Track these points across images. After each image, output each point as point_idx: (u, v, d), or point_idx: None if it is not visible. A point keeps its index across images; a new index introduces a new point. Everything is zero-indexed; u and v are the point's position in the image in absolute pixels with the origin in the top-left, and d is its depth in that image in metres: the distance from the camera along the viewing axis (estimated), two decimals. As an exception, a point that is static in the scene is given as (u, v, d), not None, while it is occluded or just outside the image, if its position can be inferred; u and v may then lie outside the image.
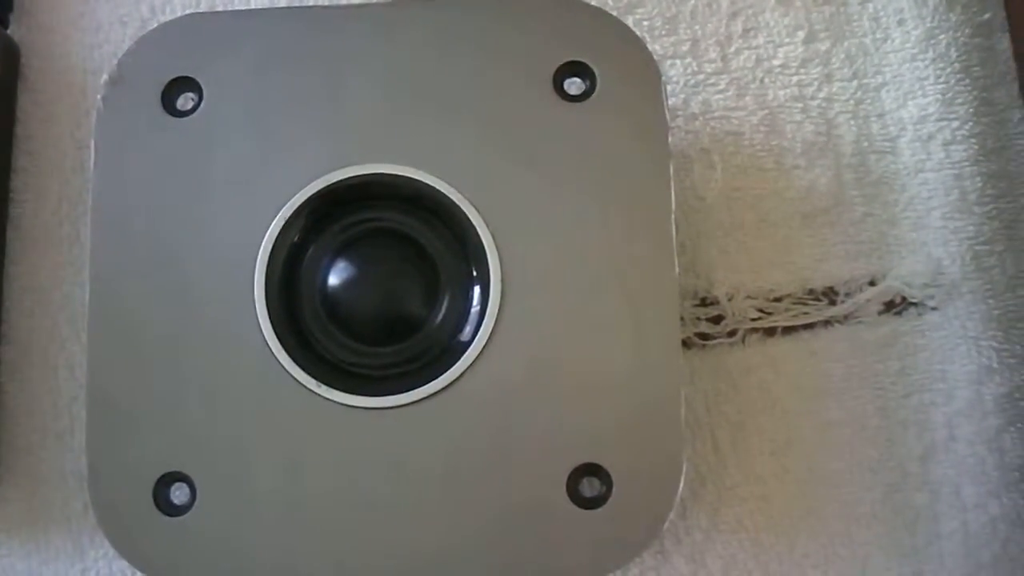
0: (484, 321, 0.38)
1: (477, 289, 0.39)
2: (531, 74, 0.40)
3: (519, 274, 0.39)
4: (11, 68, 0.45)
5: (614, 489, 0.38)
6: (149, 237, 0.39)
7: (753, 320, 0.43)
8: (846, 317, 0.43)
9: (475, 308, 0.39)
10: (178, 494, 0.38)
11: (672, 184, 0.38)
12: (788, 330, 0.43)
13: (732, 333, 0.43)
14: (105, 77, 0.40)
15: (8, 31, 0.45)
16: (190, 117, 0.40)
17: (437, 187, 0.39)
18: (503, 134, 0.39)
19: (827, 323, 0.43)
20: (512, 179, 0.39)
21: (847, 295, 0.43)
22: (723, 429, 0.43)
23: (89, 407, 0.39)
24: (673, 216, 0.38)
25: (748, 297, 0.43)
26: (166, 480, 0.38)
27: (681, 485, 0.37)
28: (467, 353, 0.38)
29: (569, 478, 0.38)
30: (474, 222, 0.39)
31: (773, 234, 0.44)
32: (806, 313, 0.43)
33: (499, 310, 0.38)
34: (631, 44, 0.40)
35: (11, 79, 0.45)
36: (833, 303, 0.43)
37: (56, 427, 0.44)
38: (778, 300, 0.43)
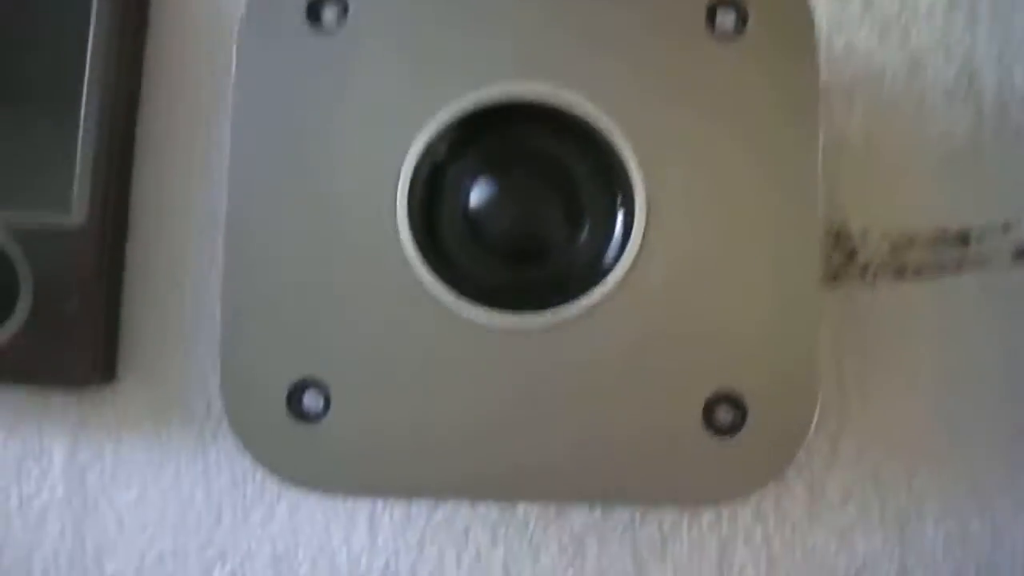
0: (628, 247, 0.38)
1: (621, 215, 0.39)
2: (685, 6, 0.39)
3: (664, 203, 0.38)
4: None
5: (748, 417, 0.38)
6: (288, 154, 0.39)
7: (885, 259, 0.43)
8: (977, 262, 0.43)
9: (618, 233, 0.39)
10: (312, 400, 0.38)
11: (820, 126, 0.38)
12: (918, 271, 0.43)
13: (864, 269, 0.43)
14: (249, -12, 0.40)
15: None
16: (336, 30, 0.40)
17: (587, 110, 0.39)
18: (655, 65, 0.39)
19: (958, 266, 0.43)
20: (661, 110, 0.39)
21: (979, 239, 0.43)
22: (849, 363, 0.43)
23: (223, 310, 0.39)
24: (819, 157, 0.38)
25: (882, 235, 0.43)
26: (300, 386, 0.38)
27: (816, 416, 0.38)
28: (608, 277, 0.38)
29: (705, 405, 0.38)
30: (621, 148, 0.39)
31: (909, 176, 0.43)
32: (938, 255, 0.43)
33: (642, 237, 0.38)
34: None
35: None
36: (966, 246, 0.43)
37: (181, 329, 0.44)
38: (911, 240, 0.43)
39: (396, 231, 0.39)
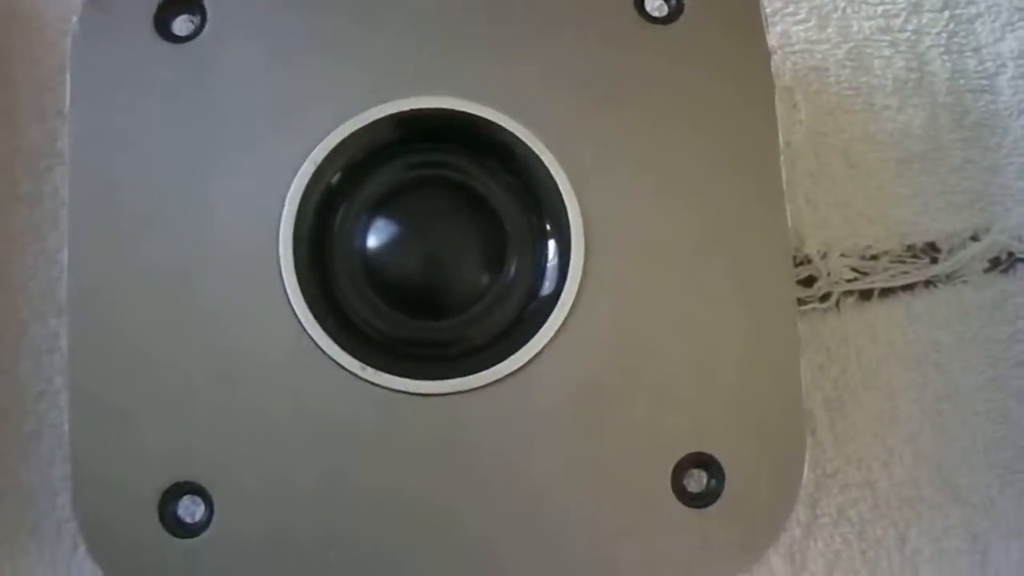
0: (565, 287, 0.32)
1: (552, 247, 0.33)
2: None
3: (604, 229, 0.32)
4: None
5: (726, 484, 0.32)
6: (141, 191, 0.32)
7: (849, 281, 0.38)
8: (948, 276, 0.38)
9: (552, 265, 0.33)
10: (190, 509, 0.31)
11: (777, 119, 0.33)
12: (886, 292, 0.38)
13: (825, 297, 0.38)
14: (84, -5, 0.33)
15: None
16: (191, 43, 0.33)
17: (501, 123, 0.32)
18: (576, 62, 0.33)
19: (928, 283, 0.38)
20: (589, 114, 0.33)
21: (949, 252, 0.38)
22: (820, 407, 0.37)
23: (72, 406, 0.31)
24: (781, 157, 0.33)
25: (842, 255, 0.38)
26: (174, 492, 0.31)
27: (804, 478, 0.32)
28: (544, 327, 0.32)
29: (674, 472, 0.31)
30: (548, 165, 0.32)
31: (866, 183, 0.38)
32: (905, 273, 0.38)
33: (582, 273, 0.32)
34: (719, -44, 0.34)
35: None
36: (934, 261, 0.38)
37: (20, 430, 0.36)
38: (875, 258, 0.38)
39: (282, 284, 0.31)
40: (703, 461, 0.32)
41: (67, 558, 0.35)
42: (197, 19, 0.33)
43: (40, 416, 0.36)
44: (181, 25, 0.33)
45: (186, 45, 0.33)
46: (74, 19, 0.32)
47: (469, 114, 0.32)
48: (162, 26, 0.33)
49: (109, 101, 0.32)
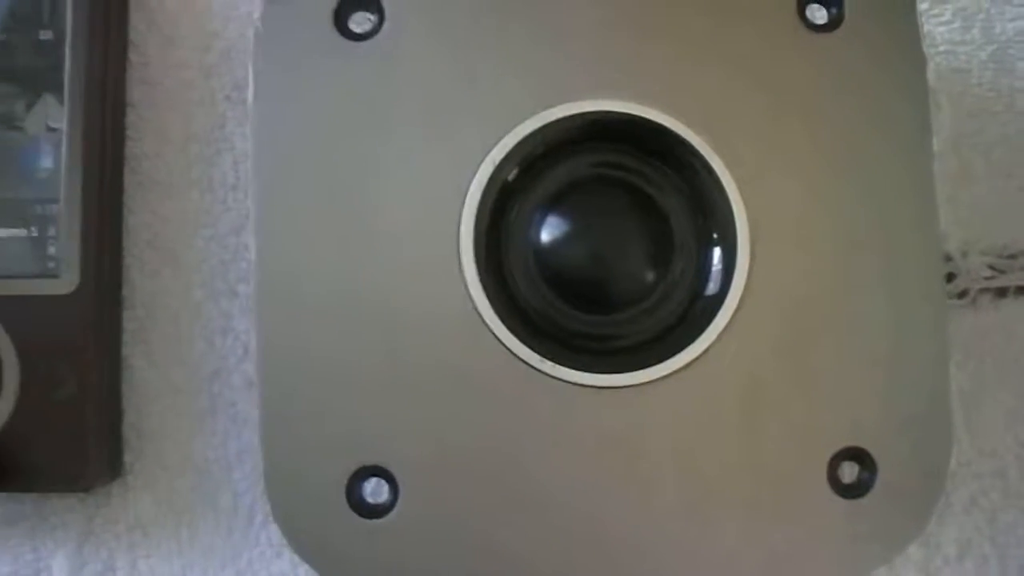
0: (732, 285, 0.33)
1: (718, 246, 0.34)
2: (773, 1, 0.34)
3: (768, 231, 0.33)
4: (122, -19, 0.38)
5: (878, 476, 0.33)
6: (325, 184, 0.33)
7: (986, 279, 0.39)
8: (1082, 275, 0.39)
9: (717, 268, 0.34)
10: (376, 491, 0.32)
11: (931, 125, 0.34)
12: (1021, 290, 0.39)
13: (963, 294, 0.39)
14: (263, -8, 0.34)
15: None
16: (369, 41, 0.34)
17: (672, 127, 0.33)
18: (743, 68, 0.34)
19: (1062, 281, 0.39)
20: (755, 119, 0.34)
21: (1084, 252, 0.39)
22: (956, 400, 0.38)
23: (263, 393, 0.32)
24: (933, 161, 0.34)
25: (981, 253, 0.39)
26: (361, 475, 0.32)
27: (951, 468, 0.33)
28: (713, 323, 0.33)
29: (829, 464, 0.33)
30: (715, 168, 0.33)
31: (1005, 185, 0.39)
32: (1041, 272, 0.39)
33: (748, 273, 0.33)
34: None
35: (122, -6, 0.38)
36: (1069, 260, 0.39)
37: (193, 407, 0.37)
38: (1012, 257, 0.39)
39: (462, 277, 0.33)
40: (856, 454, 0.33)
41: (243, 528, 0.37)
42: (375, 17, 0.34)
43: (214, 395, 0.37)
44: (360, 22, 0.34)
45: (365, 43, 0.34)
46: (256, 15, 0.33)
47: (645, 119, 0.33)
48: (341, 23, 0.34)
49: (291, 97, 0.33)
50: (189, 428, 0.37)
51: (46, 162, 0.36)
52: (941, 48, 0.40)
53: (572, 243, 0.34)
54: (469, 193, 0.33)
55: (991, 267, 0.39)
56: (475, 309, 0.33)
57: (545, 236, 0.34)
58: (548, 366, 0.33)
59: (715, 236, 0.34)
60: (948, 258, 0.39)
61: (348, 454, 0.32)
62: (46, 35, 0.36)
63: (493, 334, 0.33)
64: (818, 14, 0.34)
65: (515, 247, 0.34)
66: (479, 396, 0.33)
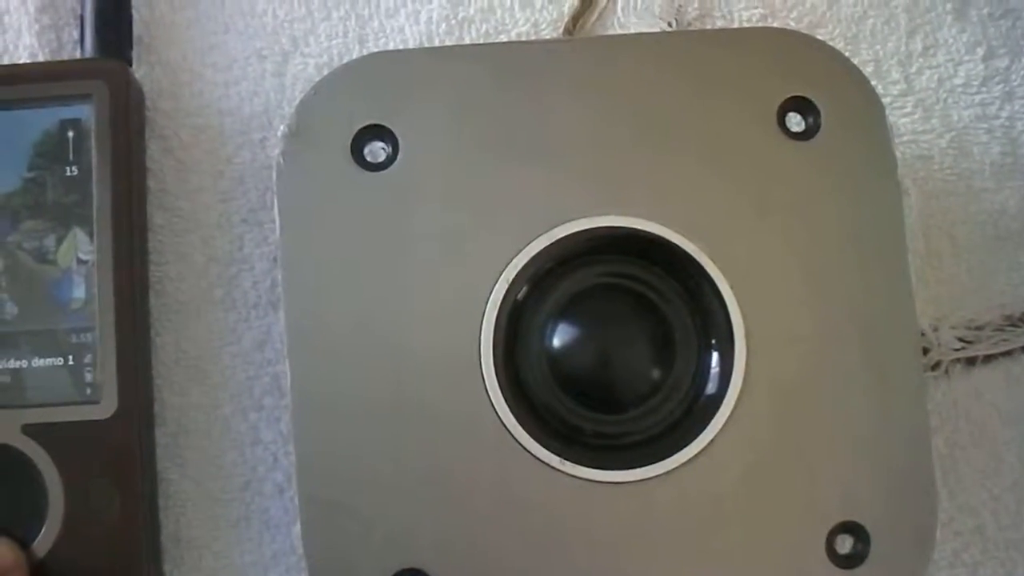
0: (731, 380, 0.36)
1: (716, 345, 0.37)
2: (754, 112, 0.37)
3: (760, 327, 0.36)
4: (139, 113, 0.40)
5: (872, 546, 0.36)
6: (351, 306, 0.36)
7: (956, 350, 0.42)
8: (1042, 341, 0.43)
9: (715, 367, 0.37)
10: (414, 591, 0.35)
11: (904, 224, 0.37)
12: (988, 358, 0.42)
13: (936, 366, 0.42)
14: (283, 128, 0.36)
15: (132, 68, 0.40)
16: (386, 170, 0.36)
17: (671, 239, 0.36)
18: (729, 177, 0.37)
19: (1024, 348, 0.43)
20: (742, 225, 0.37)
21: (1042, 319, 0.43)
22: (935, 463, 0.41)
23: (303, 504, 0.35)
24: (909, 257, 0.37)
25: (951, 327, 0.42)
26: (399, 577, 0.35)
27: (937, 536, 0.36)
28: (716, 417, 0.36)
29: (827, 538, 0.36)
30: (712, 274, 0.36)
31: (969, 261, 0.42)
32: (1006, 340, 0.42)
33: (745, 371, 0.36)
34: (853, 78, 0.38)
35: (139, 126, 0.40)
36: (1031, 328, 0.43)
37: (229, 516, 0.39)
38: (979, 328, 0.42)
39: (484, 387, 0.36)
40: (851, 527, 0.36)
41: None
42: (389, 148, 0.37)
43: (247, 503, 0.39)
44: (374, 152, 0.37)
45: (381, 172, 0.36)
46: (278, 152, 0.36)
47: (644, 231, 0.36)
48: (358, 154, 0.36)
49: (314, 226, 0.36)
50: (225, 536, 0.39)
51: (78, 292, 0.38)
52: (905, 137, 0.43)
53: (581, 348, 0.37)
54: (487, 311, 0.36)
55: (960, 339, 0.42)
56: (499, 417, 0.35)
57: (557, 343, 0.37)
58: (568, 466, 0.35)
59: (712, 332, 0.37)
60: (921, 333, 0.42)
61: (386, 557, 0.35)
62: (72, 171, 0.38)
63: (516, 440, 0.35)
64: (796, 122, 0.38)
65: (530, 355, 0.37)
66: (505, 498, 0.35)
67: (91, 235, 0.38)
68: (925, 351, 0.42)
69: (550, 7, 0.43)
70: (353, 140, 0.36)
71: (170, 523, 0.39)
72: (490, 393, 0.35)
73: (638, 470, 0.36)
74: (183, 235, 0.40)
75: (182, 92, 0.41)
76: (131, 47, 0.40)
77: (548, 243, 0.36)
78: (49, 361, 0.37)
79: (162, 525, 0.39)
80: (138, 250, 0.39)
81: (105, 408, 0.37)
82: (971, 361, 0.42)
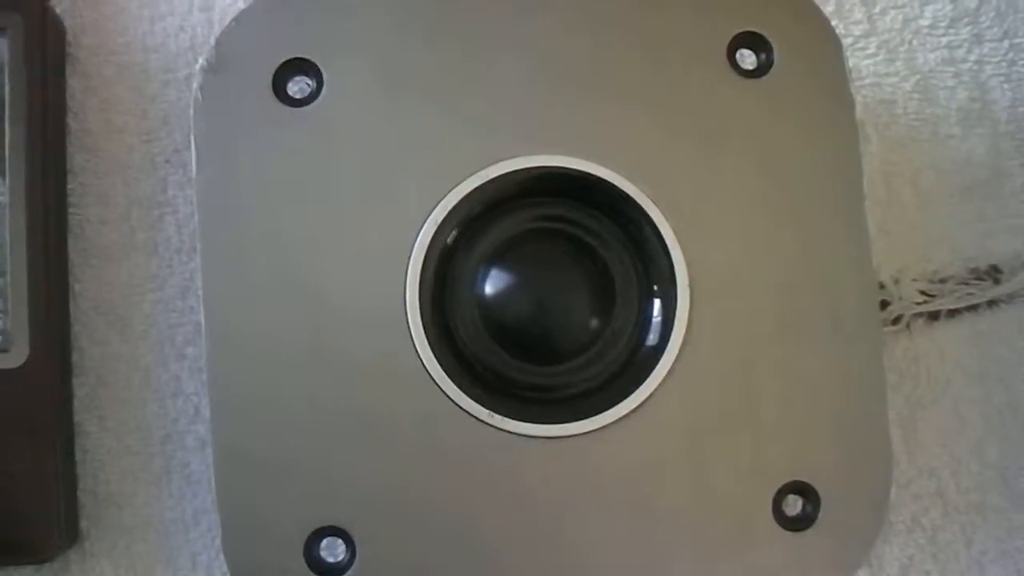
0: (673, 330, 0.34)
1: (658, 292, 0.35)
2: (702, 49, 0.35)
3: (706, 275, 0.34)
4: (58, 48, 0.38)
5: (821, 509, 0.34)
6: (270, 248, 0.34)
7: (918, 304, 0.40)
8: (1010, 296, 0.40)
9: (657, 316, 0.35)
10: (334, 551, 0.33)
11: (861, 166, 0.35)
12: (952, 313, 0.40)
13: (896, 320, 0.40)
14: (202, 62, 0.34)
15: (50, 3, 0.38)
16: (309, 106, 0.34)
17: (610, 179, 0.34)
18: (675, 116, 0.35)
19: (991, 303, 0.40)
20: (688, 166, 0.35)
21: (1011, 273, 0.41)
22: (894, 423, 0.39)
23: (217, 456, 0.33)
24: (865, 201, 0.35)
25: (913, 280, 0.40)
26: (318, 535, 0.33)
27: (891, 499, 0.35)
28: (656, 368, 0.34)
29: (774, 498, 0.34)
30: (654, 217, 0.34)
31: (933, 211, 0.40)
32: (971, 294, 0.40)
33: (688, 317, 0.34)
34: (809, 13, 0.36)
35: (59, 62, 0.38)
36: (997, 282, 0.40)
37: (148, 470, 0.38)
38: (942, 282, 0.40)
39: (409, 335, 0.33)
40: (800, 488, 0.34)
41: (202, 586, 0.38)
42: (313, 83, 0.35)
43: (168, 456, 0.38)
44: (298, 88, 0.35)
45: (304, 108, 0.34)
46: (196, 86, 0.34)
47: (582, 171, 0.34)
48: (280, 90, 0.34)
49: (233, 164, 0.34)
50: (145, 491, 0.38)
51: (-11, 236, 0.36)
52: (867, 80, 0.41)
53: (515, 295, 0.35)
54: (413, 254, 0.34)
55: (923, 292, 0.40)
56: (423, 366, 0.33)
57: (489, 290, 0.35)
58: (497, 419, 0.34)
59: (654, 279, 0.35)
60: (881, 286, 0.40)
61: (305, 513, 0.33)
62: (-18, 107, 0.36)
63: (442, 390, 0.33)
64: (748, 60, 0.36)
65: (460, 302, 0.35)
66: (431, 452, 0.33)
67: (3, 175, 0.36)
68: (885, 304, 0.40)
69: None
70: (275, 74, 0.34)
71: (88, 477, 0.37)
72: (415, 341, 0.33)
73: (573, 424, 0.34)
74: (104, 177, 0.38)
75: (105, 27, 0.39)
76: (52, -20, 0.38)
77: (479, 183, 0.34)
78: (-43, 308, 0.36)
79: (79, 479, 0.37)
80: (54, 192, 0.37)
81: (16, 356, 0.35)
82: (934, 316, 0.40)
